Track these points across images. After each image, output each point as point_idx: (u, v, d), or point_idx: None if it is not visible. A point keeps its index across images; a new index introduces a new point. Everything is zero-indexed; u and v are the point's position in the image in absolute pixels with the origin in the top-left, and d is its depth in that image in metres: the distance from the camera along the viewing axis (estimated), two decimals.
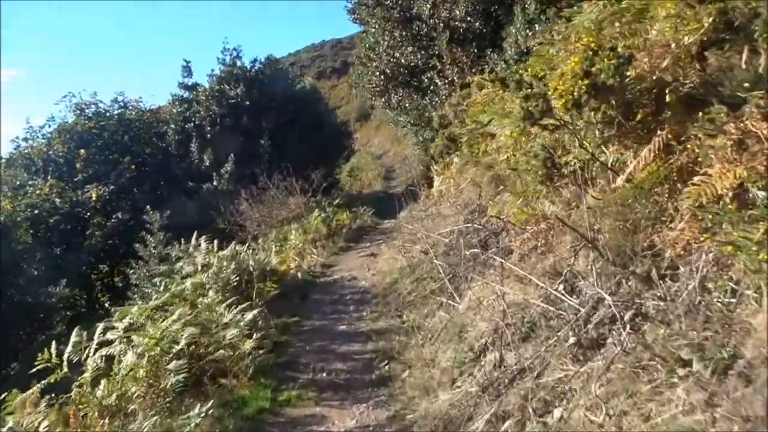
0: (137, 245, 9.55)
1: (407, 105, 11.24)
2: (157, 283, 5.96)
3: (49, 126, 17.55)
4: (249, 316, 4.63)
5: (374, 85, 11.97)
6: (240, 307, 4.72)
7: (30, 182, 16.24)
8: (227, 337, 4.15)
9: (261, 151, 17.11)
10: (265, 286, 6.10)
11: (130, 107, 18.70)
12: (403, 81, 11.34)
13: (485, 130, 7.55)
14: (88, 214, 15.58)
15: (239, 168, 16.48)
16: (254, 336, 4.71)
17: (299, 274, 7.80)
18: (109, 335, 4.23)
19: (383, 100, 12.37)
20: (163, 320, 4.18)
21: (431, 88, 10.49)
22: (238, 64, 19.02)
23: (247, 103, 17.83)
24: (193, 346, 4.15)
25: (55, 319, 11.15)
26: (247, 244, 8.66)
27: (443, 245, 6.58)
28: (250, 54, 41.08)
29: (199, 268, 5.78)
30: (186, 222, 16.40)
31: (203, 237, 6.81)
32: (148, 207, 9.82)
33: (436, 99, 10.26)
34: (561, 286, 3.72)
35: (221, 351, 4.07)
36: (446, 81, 9.95)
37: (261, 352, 4.64)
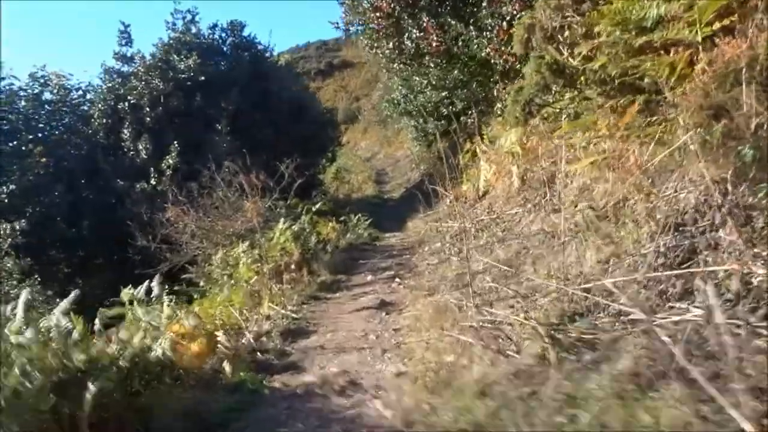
0: None
1: (433, 45, 6.79)
2: None
3: None
4: None
5: (379, 14, 7.52)
6: None
7: None
8: None
9: (218, 140, 12.78)
10: None
11: (52, 85, 14.27)
12: (428, 2, 7.00)
13: (651, 40, 3.47)
14: None
15: (188, 162, 12.11)
16: None
17: (227, 367, 3.48)
18: None
19: (391, 44, 7.93)
20: None
21: (484, 3, 6.09)
22: (193, 30, 14.74)
23: (202, 78, 13.54)
24: None
25: None
26: (151, 283, 4.27)
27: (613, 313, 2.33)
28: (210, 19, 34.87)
29: None
30: (102, 238, 12.07)
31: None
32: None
33: (495, 25, 5.91)
34: None
35: None
36: None
37: None
